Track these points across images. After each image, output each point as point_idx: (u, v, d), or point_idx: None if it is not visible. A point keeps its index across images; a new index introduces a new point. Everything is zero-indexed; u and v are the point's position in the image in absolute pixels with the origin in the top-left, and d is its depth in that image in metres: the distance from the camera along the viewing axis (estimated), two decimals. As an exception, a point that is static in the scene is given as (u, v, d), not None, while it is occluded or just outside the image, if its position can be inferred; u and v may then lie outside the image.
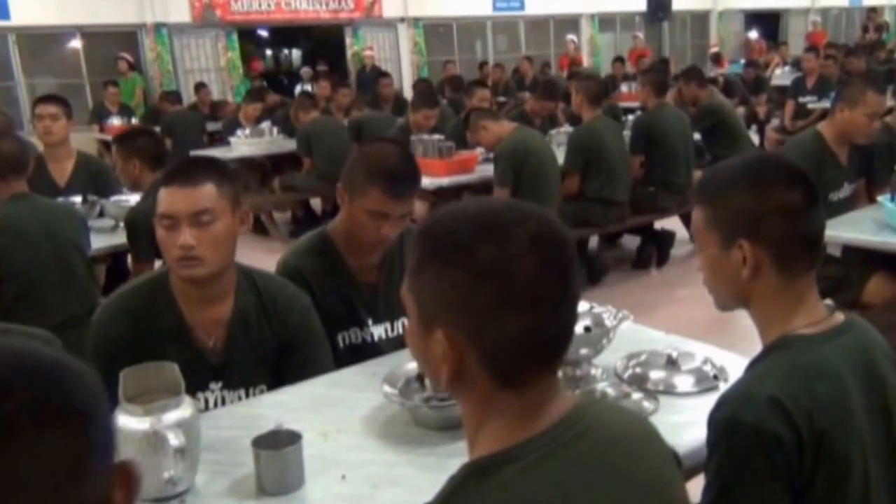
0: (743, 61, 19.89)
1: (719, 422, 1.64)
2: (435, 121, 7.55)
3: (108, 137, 10.95)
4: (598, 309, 2.51)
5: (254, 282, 2.64)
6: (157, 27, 16.26)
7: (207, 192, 2.42)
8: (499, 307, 1.22)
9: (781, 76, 15.59)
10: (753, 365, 1.76)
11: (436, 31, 20.54)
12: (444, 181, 6.55)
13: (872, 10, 22.91)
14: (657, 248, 7.30)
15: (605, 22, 24.06)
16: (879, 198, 4.14)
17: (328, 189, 9.11)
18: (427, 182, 6.52)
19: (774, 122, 12.61)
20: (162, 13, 16.23)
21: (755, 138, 12.77)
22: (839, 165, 4.67)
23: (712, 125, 7.84)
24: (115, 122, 12.30)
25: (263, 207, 9.49)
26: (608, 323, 2.45)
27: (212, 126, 12.10)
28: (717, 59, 19.60)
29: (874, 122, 4.53)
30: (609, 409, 1.41)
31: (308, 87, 16.18)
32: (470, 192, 6.81)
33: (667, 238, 7.35)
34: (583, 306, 2.50)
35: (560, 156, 6.63)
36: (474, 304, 1.22)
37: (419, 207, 7.13)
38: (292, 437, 2.03)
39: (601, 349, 2.47)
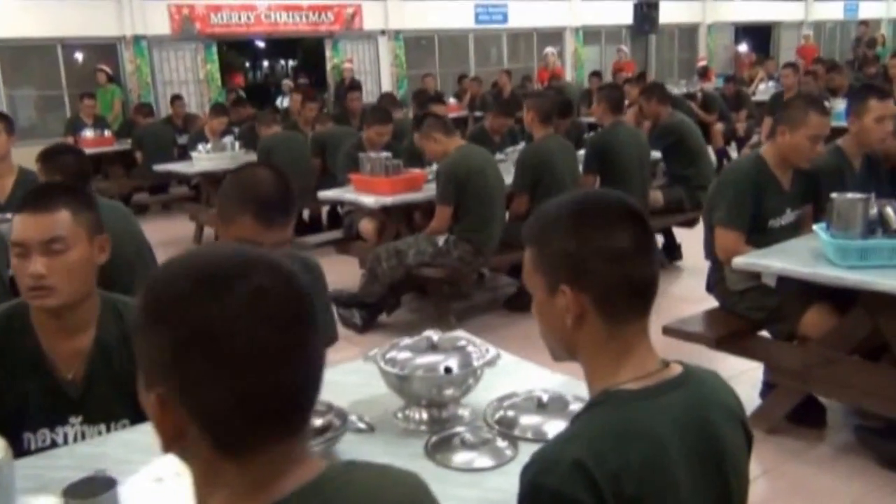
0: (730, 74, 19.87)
1: (523, 484, 1.51)
2: (388, 137, 7.42)
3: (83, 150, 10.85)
4: (469, 346, 2.39)
5: (118, 311, 2.54)
6: (137, 39, 16.16)
7: (61, 219, 2.34)
8: (210, 370, 1.09)
9: (765, 91, 15.47)
10: (574, 421, 1.63)
11: (417, 44, 20.45)
12: (389, 200, 6.40)
13: (864, 24, 22.81)
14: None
15: (590, 35, 23.98)
16: (815, 226, 4.01)
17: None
18: (371, 200, 6.44)
19: (755, 138, 12.50)
20: (141, 26, 16.14)
21: (734, 154, 12.69)
22: (781, 191, 4.52)
23: (672, 144, 7.68)
24: (89, 134, 12.19)
25: (221, 223, 9.35)
26: (476, 362, 2.33)
27: (183, 139, 11.98)
28: (704, 73, 19.47)
29: (818, 146, 4.38)
30: (364, 478, 1.25)
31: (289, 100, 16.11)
32: (419, 211, 6.70)
33: None
34: (453, 342, 2.38)
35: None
36: (183, 366, 1.10)
37: (366, 226, 7.03)
38: (108, 484, 1.89)
39: (468, 389, 2.34)
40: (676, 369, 1.64)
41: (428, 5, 19.97)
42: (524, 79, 17.85)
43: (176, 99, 14.02)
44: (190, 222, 9.62)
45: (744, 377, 4.74)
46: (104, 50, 16.10)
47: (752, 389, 4.61)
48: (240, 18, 17.18)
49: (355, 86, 11.95)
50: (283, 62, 27.68)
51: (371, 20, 19.08)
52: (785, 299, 4.27)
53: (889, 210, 3.75)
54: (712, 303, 4.81)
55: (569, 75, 22.03)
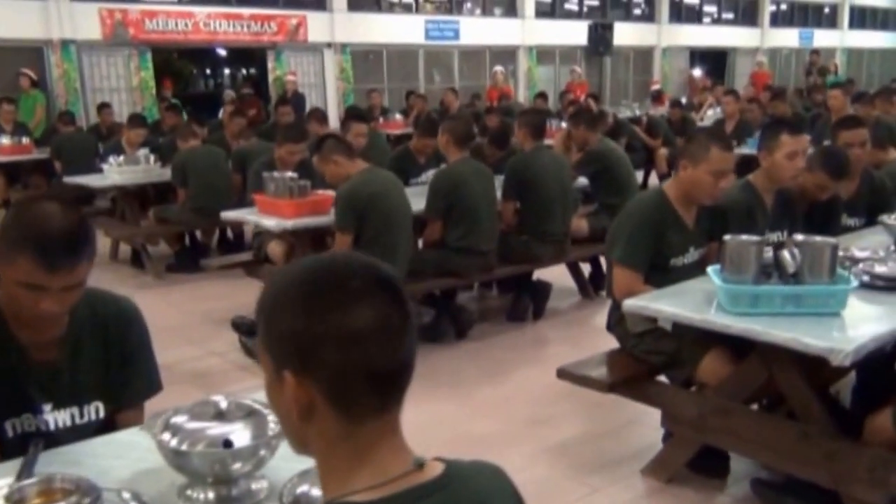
0: (683, 100, 19.85)
1: None
2: (301, 156, 7.18)
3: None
4: (265, 409, 2.12)
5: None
6: (65, 44, 15.81)
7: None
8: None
9: (713, 117, 15.38)
10: None
11: (365, 58, 20.33)
12: (290, 223, 6.16)
13: (815, 53, 22.94)
14: (533, 301, 6.97)
15: (544, 54, 24.01)
16: (709, 269, 3.82)
17: (202, 222, 8.74)
18: (272, 223, 6.21)
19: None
20: (70, 29, 15.80)
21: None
22: (684, 228, 4.36)
23: (599, 171, 7.56)
24: (5, 141, 11.81)
25: (134, 239, 9.08)
26: (270, 430, 2.07)
27: (107, 150, 11.65)
28: (657, 97, 19.46)
29: (721, 182, 4.22)
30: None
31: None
32: (330, 235, 6.46)
33: (542, 290, 7.04)
34: (245, 408, 2.12)
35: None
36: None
37: (275, 249, 6.78)
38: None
39: (261, 462, 2.07)
40: (434, 471, 1.37)
41: (377, 18, 19.87)
42: (473, 97, 17.71)
43: (103, 107, 13.68)
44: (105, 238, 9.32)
45: (647, 419, 4.59)
46: (29, 54, 15.69)
47: (656, 433, 4.46)
48: (176, 25, 16.91)
49: (285, 100, 11.68)
50: (245, 71, 27.41)
51: (316, 32, 18.96)
52: (683, 344, 4.08)
53: (785, 254, 3.58)
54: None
55: (521, 95, 21.98)
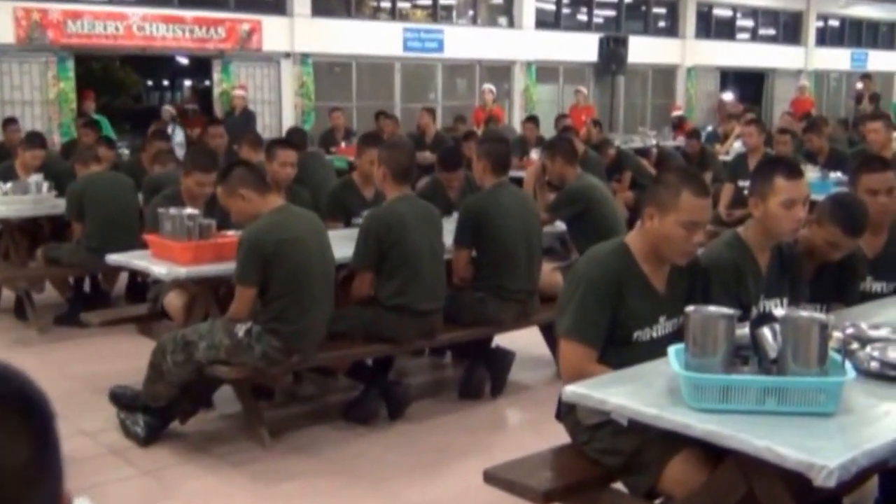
0: (710, 129, 19.70)
1: None
2: (213, 188, 6.89)
3: None
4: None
5: None
6: (-30, 47, 15.66)
7: None
8: None
9: (740, 150, 15.15)
10: None
11: (330, 71, 20.22)
12: (184, 271, 5.88)
13: (867, 77, 22.73)
14: (490, 373, 6.68)
15: (546, 72, 23.94)
16: (671, 350, 3.50)
17: (100, 264, 8.40)
18: (163, 270, 5.97)
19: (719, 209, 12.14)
20: (-24, 31, 15.66)
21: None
22: (652, 292, 4.05)
23: (578, 213, 7.33)
24: None
25: (17, 284, 8.76)
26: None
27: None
28: (679, 125, 19.34)
29: (694, 235, 3.92)
30: None
31: (170, 130, 15.64)
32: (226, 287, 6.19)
33: (503, 359, 6.77)
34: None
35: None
36: None
37: (173, 301, 6.50)
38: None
39: None
40: None
41: (345, 25, 19.81)
42: (456, 120, 17.51)
43: (8, 123, 13.35)
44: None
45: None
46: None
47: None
48: (105, 28, 16.75)
49: (218, 120, 11.44)
50: (208, 83, 27.34)
51: (273, 40, 18.92)
52: (645, 442, 3.75)
53: (766, 332, 3.27)
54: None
55: (516, 118, 21.86)
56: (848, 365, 3.26)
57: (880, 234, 5.16)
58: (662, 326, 4.11)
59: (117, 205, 8.35)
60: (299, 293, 5.49)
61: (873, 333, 3.92)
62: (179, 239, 6.11)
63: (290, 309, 5.49)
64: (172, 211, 6.28)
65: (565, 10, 25.07)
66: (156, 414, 5.84)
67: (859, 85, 22.47)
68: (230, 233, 6.24)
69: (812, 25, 31.04)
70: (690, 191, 3.89)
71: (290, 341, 5.55)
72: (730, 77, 29.65)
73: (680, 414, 3.20)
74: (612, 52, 23.51)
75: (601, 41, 23.63)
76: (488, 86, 18.78)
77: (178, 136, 16.03)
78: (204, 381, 5.80)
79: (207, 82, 20.69)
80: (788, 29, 31.09)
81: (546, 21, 24.04)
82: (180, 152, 13.00)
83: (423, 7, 22.31)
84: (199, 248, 6.06)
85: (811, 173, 8.60)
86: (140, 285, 9.20)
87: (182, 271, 5.91)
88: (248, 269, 5.44)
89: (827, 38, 32.42)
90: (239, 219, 5.75)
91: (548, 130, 16.16)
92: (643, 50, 24.72)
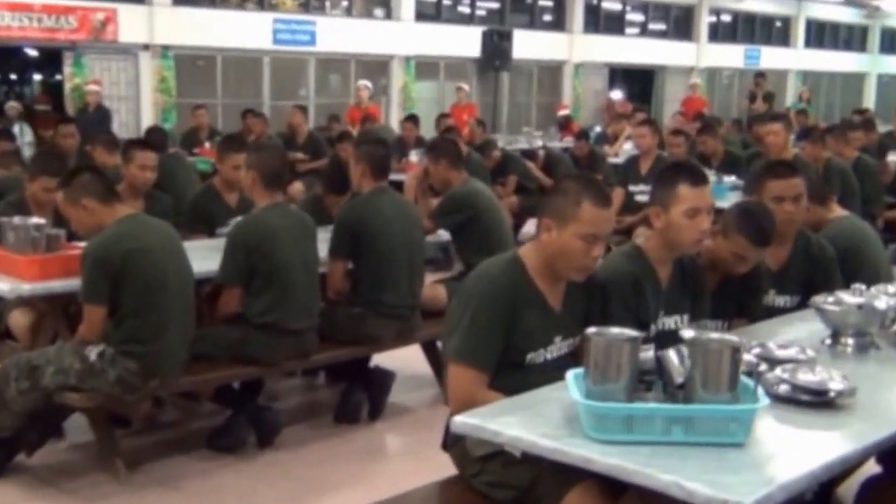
0: (598, 129, 19.90)
1: None
2: (61, 195, 6.71)
3: None
4: None
5: None
6: None
7: None
8: None
9: (630, 153, 15.30)
10: None
11: (193, 65, 20.04)
12: (27, 287, 5.68)
13: (761, 75, 23.21)
14: (368, 395, 6.61)
15: (426, 67, 23.99)
16: (569, 374, 3.43)
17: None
18: (6, 287, 5.76)
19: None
20: None
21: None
22: (546, 310, 4.00)
23: (462, 222, 7.29)
24: None
25: None
26: None
27: None
28: (565, 125, 19.49)
29: (594, 248, 3.87)
30: None
31: (16, 129, 15.27)
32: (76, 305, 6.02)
33: (382, 380, 6.71)
34: None
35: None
36: None
37: (17, 320, 6.32)
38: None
39: None
40: None
41: (209, 15, 19.67)
42: (330, 119, 17.53)
43: None
44: None
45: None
46: None
47: None
48: (-66, 15, 16.34)
49: (68, 118, 11.18)
50: (59, 77, 26.82)
51: (130, 31, 18.79)
52: (540, 475, 3.69)
53: (671, 355, 3.22)
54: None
55: (394, 117, 21.85)
56: (760, 391, 3.23)
57: (785, 245, 5.20)
58: (558, 347, 4.08)
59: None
60: (154, 310, 5.36)
61: (781, 354, 3.92)
62: (24, 251, 5.89)
63: (145, 328, 5.36)
64: (16, 220, 6.08)
65: (446, 2, 25.19)
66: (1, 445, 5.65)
67: (753, 84, 22.95)
68: (82, 244, 6.03)
69: (704, 20, 31.65)
70: (591, 201, 3.85)
71: (148, 364, 5.40)
72: (618, 74, 30.07)
73: (580, 446, 3.14)
74: (496, 46, 23.65)
75: (484, 35, 23.76)
76: (364, 82, 18.75)
77: (27, 135, 15.68)
78: (53, 410, 5.62)
79: (58, 76, 20.31)
80: (680, 24, 31.65)
81: (426, 13, 24.11)
82: (29, 153, 12.71)
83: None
84: (46, 262, 5.86)
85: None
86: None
87: (27, 287, 5.72)
88: (94, 285, 5.30)
89: (719, 33, 33.08)
90: (79, 230, 5.62)
91: (428, 131, 16.21)
92: (528, 45, 24.94)
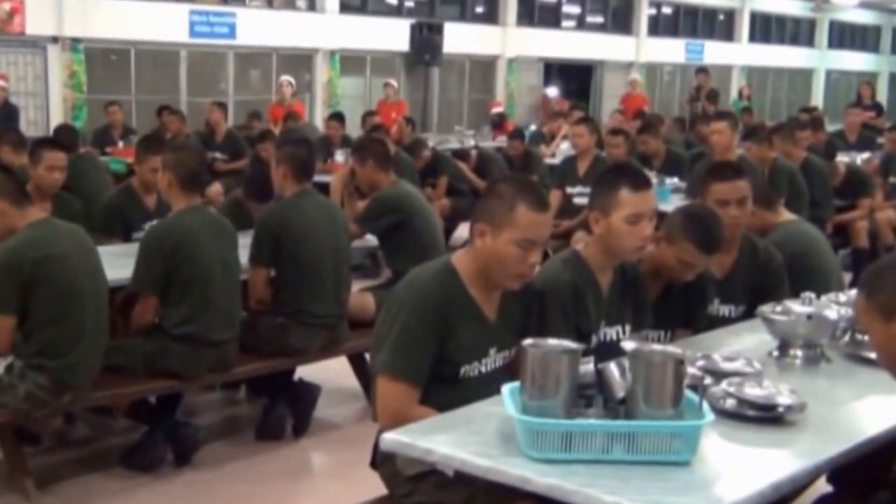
0: (533, 128, 19.95)
1: None
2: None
3: None
4: None
5: None
6: None
7: None
8: None
9: (567, 152, 15.36)
10: None
11: (105, 59, 19.90)
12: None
13: (703, 71, 23.37)
14: (292, 411, 6.58)
15: (351, 62, 23.96)
16: (505, 389, 3.41)
17: None
18: None
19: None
20: None
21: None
22: (482, 320, 3.99)
23: (392, 225, 7.30)
24: None
25: None
26: None
27: None
28: (499, 123, 19.51)
29: (533, 255, 3.85)
30: None
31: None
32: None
33: (307, 395, 6.68)
34: None
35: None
36: None
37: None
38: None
39: None
40: None
41: (122, 6, 19.56)
42: (250, 116, 17.45)
43: None
44: None
45: None
46: None
47: None
48: None
49: None
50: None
51: (37, 22, 18.60)
52: (475, 494, 3.67)
53: (612, 368, 3.23)
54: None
55: (318, 114, 21.83)
56: (706, 406, 3.23)
57: (730, 252, 5.23)
58: (493, 360, 4.07)
59: None
60: (67, 321, 5.29)
61: (727, 366, 3.93)
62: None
63: (57, 340, 5.31)
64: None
65: (374, -9, 25.11)
66: None
67: (695, 81, 23.11)
68: None
69: (644, 13, 31.85)
70: (528, 204, 3.83)
71: (60, 378, 5.34)
72: (554, 70, 30.15)
73: (517, 465, 3.13)
74: (426, 40, 23.65)
75: (413, 28, 23.76)
76: (286, 77, 18.73)
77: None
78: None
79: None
80: (618, 17, 31.80)
81: (351, 5, 24.03)
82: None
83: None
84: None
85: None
86: None
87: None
88: (2, 294, 5.22)
89: (660, 27, 33.28)
90: None
91: (354, 129, 16.15)
92: (460, 38, 24.94)
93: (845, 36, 41.87)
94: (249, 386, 7.23)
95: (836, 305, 4.49)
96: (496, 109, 22.57)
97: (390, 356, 3.86)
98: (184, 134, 15.22)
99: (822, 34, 40.08)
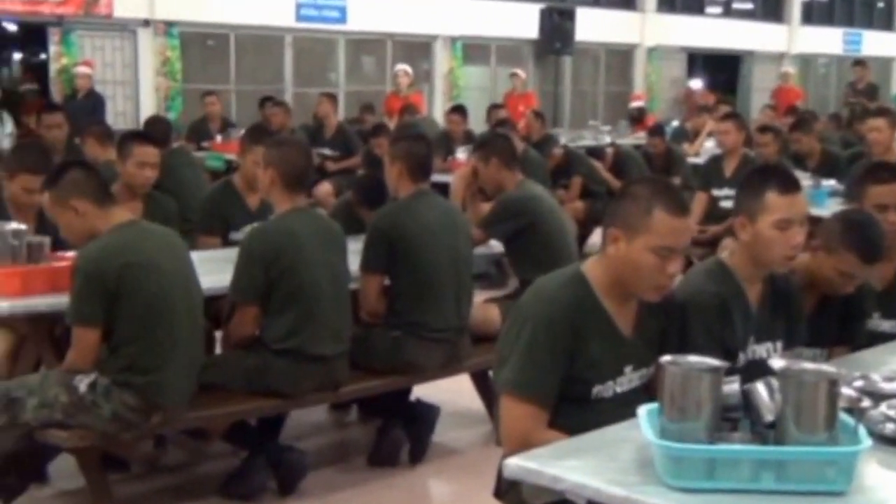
0: (676, 124, 19.88)
1: None
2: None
3: None
4: None
5: None
6: None
7: None
8: None
9: (713, 151, 15.33)
10: None
11: (202, 45, 20.13)
12: (6, 305, 5.70)
13: (860, 64, 23.04)
14: (408, 434, 6.64)
15: (475, 50, 23.99)
16: (642, 410, 3.46)
17: None
18: None
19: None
20: None
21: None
22: (616, 336, 4.04)
23: (519, 230, 7.33)
24: None
25: None
26: None
27: None
28: (639, 118, 19.48)
29: (672, 265, 3.89)
30: None
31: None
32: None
33: (425, 416, 6.74)
34: None
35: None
36: None
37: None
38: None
39: None
40: None
41: (222, -12, 19.66)
42: (363, 109, 17.52)
43: None
44: None
45: None
46: None
47: None
48: None
49: (56, 105, 11.33)
50: (44, 56, 27.12)
51: (127, 4, 18.75)
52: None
53: (760, 390, 3.27)
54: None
55: (438, 107, 21.86)
56: (863, 431, 3.24)
57: (891, 261, 5.18)
58: (628, 379, 4.10)
59: None
60: (156, 334, 5.33)
61: (887, 387, 3.93)
62: (2, 262, 5.94)
63: (146, 355, 5.34)
64: (-1, 225, 6.13)
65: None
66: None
67: (852, 74, 22.83)
68: (70, 254, 6.07)
69: (797, -1, 31.48)
70: (665, 208, 3.86)
71: (149, 396, 5.37)
72: (698, 61, 29.98)
73: (655, 495, 3.17)
74: (556, 26, 23.68)
75: (543, 13, 23.79)
76: (403, 67, 18.78)
77: (7, 125, 15.64)
78: (35, 450, 5.61)
79: (42, 56, 20.42)
80: (768, 2, 31.46)
81: (475, -14, 24.11)
82: (8, 146, 12.81)
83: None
84: (28, 275, 5.89)
85: (801, 181, 8.66)
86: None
87: (5, 305, 5.73)
88: (85, 304, 5.26)
89: (814, 14, 32.81)
90: (69, 236, 5.60)
91: (478, 124, 16.21)
92: (594, 25, 24.90)
93: None
94: (361, 406, 7.31)
95: None
96: (636, 103, 22.53)
97: (515, 374, 3.92)
98: (289, 128, 15.38)
99: None
